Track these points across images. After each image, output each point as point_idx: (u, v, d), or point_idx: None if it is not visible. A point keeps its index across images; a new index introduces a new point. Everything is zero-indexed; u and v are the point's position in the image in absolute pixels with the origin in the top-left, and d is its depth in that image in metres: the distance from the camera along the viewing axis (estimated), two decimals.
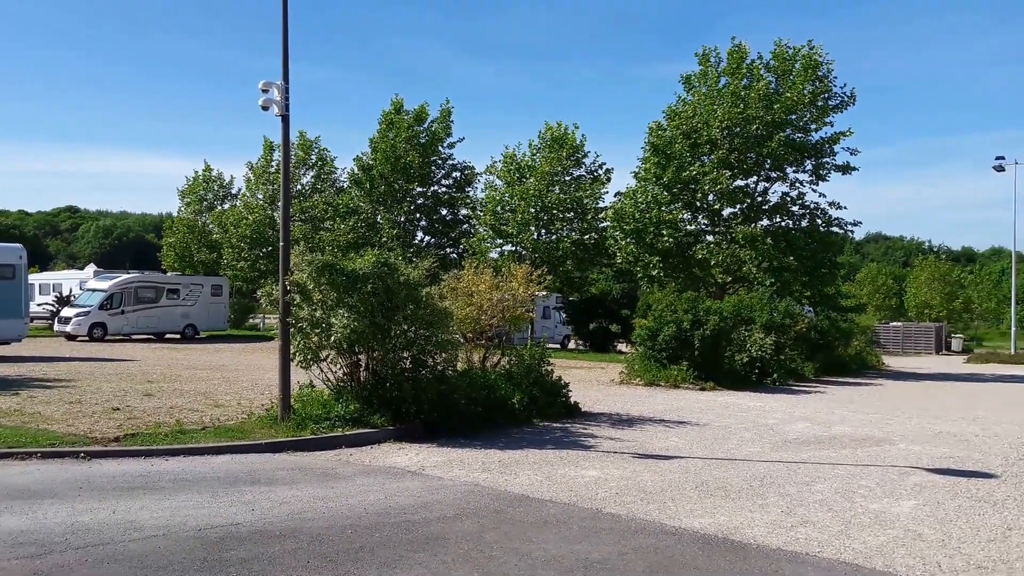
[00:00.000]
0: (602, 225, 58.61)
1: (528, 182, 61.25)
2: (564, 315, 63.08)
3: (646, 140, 49.01)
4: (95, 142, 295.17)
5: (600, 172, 63.01)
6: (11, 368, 31.93)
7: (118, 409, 21.16)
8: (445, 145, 66.36)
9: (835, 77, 47.62)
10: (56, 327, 56.61)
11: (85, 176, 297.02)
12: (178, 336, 59.84)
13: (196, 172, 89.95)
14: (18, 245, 42.01)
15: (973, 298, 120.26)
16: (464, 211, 67.49)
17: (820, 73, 47.07)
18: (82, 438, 16.93)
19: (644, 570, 9.94)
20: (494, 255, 61.63)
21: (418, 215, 66.88)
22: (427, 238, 67.47)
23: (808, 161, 48.46)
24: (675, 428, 22.56)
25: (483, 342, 25.40)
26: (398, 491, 13.80)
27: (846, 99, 47.87)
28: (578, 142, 62.57)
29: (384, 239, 62.75)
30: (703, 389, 34.09)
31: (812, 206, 49.00)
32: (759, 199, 49.26)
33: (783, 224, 49.06)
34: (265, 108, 19.72)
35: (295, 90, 20.05)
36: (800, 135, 48.07)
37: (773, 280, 45.53)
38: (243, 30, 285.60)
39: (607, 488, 14.44)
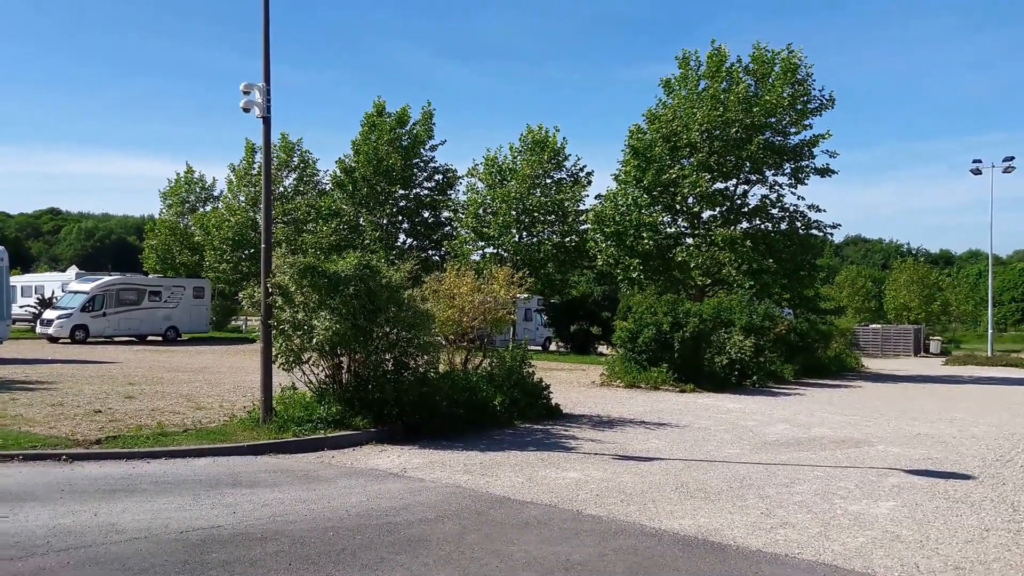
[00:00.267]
0: (583, 228, 58.67)
1: (509, 185, 61.23)
2: (545, 317, 63.20)
3: (626, 143, 49.14)
4: (77, 143, 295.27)
5: (581, 175, 63.04)
6: None
7: (100, 411, 21.13)
8: (427, 148, 66.29)
9: (814, 80, 47.79)
10: (38, 329, 56.44)
11: (67, 178, 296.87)
12: (160, 338, 59.73)
13: (178, 174, 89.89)
14: None
15: (951, 301, 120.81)
16: (446, 214, 67.46)
17: (799, 76, 47.13)
18: (64, 440, 16.92)
19: (624, 571, 9.98)
20: (476, 257, 61.53)
21: (400, 217, 66.81)
22: (409, 240, 67.46)
23: (787, 164, 48.49)
24: (655, 430, 22.59)
25: (465, 344, 25.39)
26: (380, 493, 13.82)
27: (825, 102, 47.99)
28: (559, 145, 62.58)
29: (366, 241, 62.79)
30: (683, 391, 34.13)
31: (791, 209, 49.05)
32: (739, 202, 49.36)
33: (763, 227, 49.19)
34: (247, 110, 19.72)
35: (277, 92, 20.08)
36: (779, 138, 48.17)
37: (753, 283, 45.57)
38: (226, 31, 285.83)
39: (588, 490, 14.48)
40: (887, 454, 19.67)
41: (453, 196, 67.79)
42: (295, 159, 75.77)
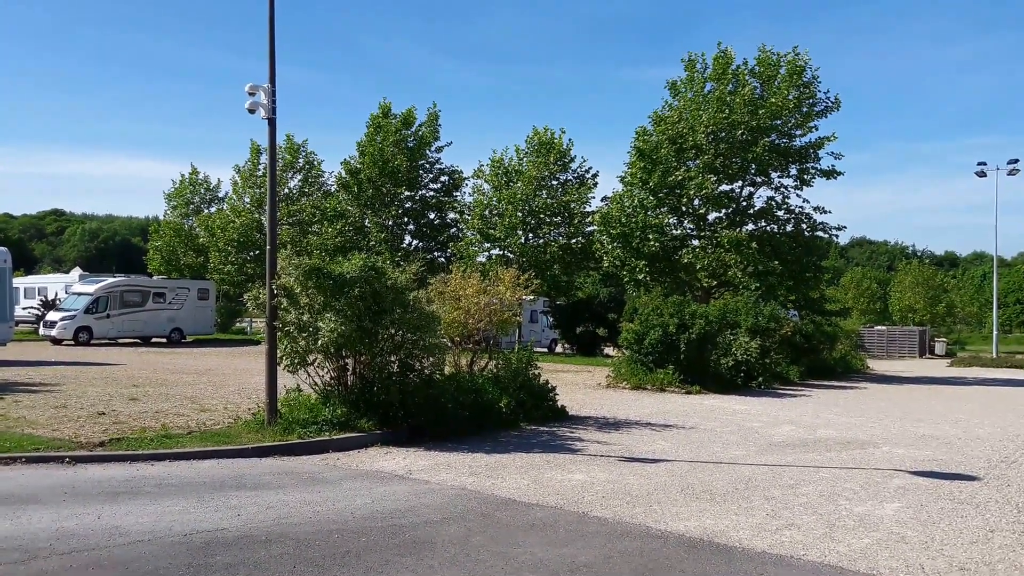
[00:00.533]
0: (589, 229, 58.86)
1: (515, 186, 61.32)
2: (551, 319, 63.19)
3: (632, 145, 48.98)
4: (81, 144, 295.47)
5: (587, 176, 63.11)
6: None
7: (103, 413, 21.05)
8: (433, 149, 66.28)
9: (820, 83, 47.77)
10: (41, 331, 56.30)
11: (71, 179, 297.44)
12: (164, 340, 59.75)
13: (183, 175, 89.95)
14: (2, 248, 41.83)
15: (956, 302, 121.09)
16: (452, 215, 67.45)
17: (805, 79, 47.14)
18: (67, 443, 16.85)
19: (630, 573, 9.93)
20: (482, 259, 61.63)
21: (406, 219, 66.76)
22: (415, 242, 67.41)
23: (792, 166, 48.55)
24: (661, 431, 22.54)
25: (471, 346, 25.33)
26: (385, 495, 13.76)
27: (830, 105, 47.98)
28: (565, 147, 62.63)
29: (372, 243, 62.78)
30: (689, 393, 34.10)
31: (797, 211, 49.05)
32: (744, 204, 49.31)
33: (768, 228, 49.17)
34: (252, 111, 19.64)
35: (281, 93, 19.99)
36: (785, 140, 48.15)
37: (758, 284, 45.52)
38: (230, 32, 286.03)
39: (594, 491, 14.43)
40: (892, 455, 19.62)
41: (459, 197, 67.77)
42: (300, 160, 75.60)
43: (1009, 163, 74.98)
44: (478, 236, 62.46)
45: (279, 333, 19.62)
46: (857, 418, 27.52)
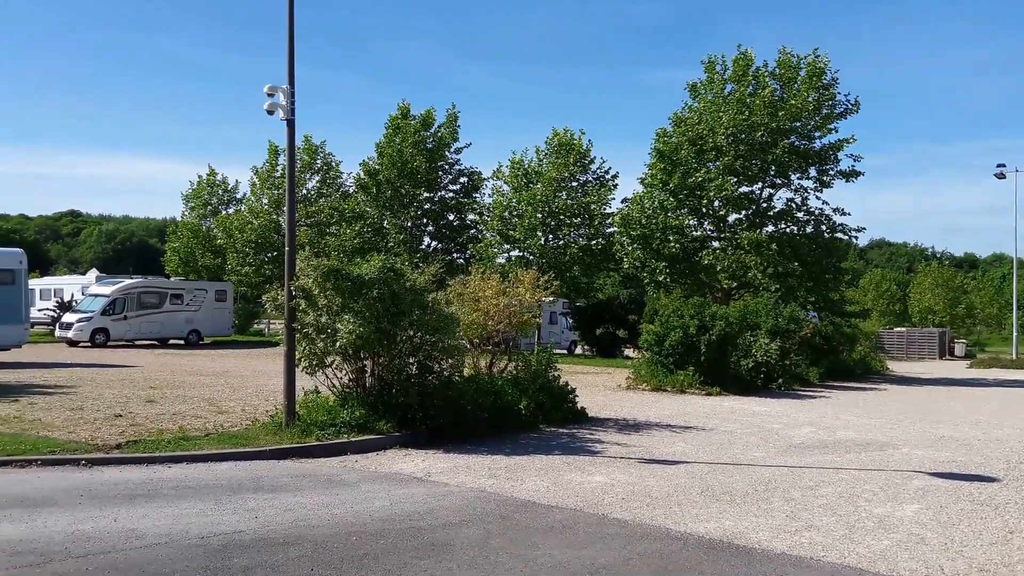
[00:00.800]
0: (609, 231, 58.70)
1: (535, 188, 61.19)
2: (571, 320, 63.06)
3: (652, 146, 49.01)
4: (98, 145, 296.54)
5: (607, 178, 62.99)
6: (11, 374, 31.76)
7: (120, 415, 21.05)
8: (452, 150, 66.08)
9: (839, 85, 47.77)
10: (58, 333, 56.01)
11: (88, 180, 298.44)
12: (182, 342, 59.57)
13: (200, 176, 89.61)
14: (18, 250, 41.92)
15: (976, 304, 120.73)
16: (471, 216, 67.31)
17: (825, 81, 47.11)
18: (83, 445, 16.83)
19: (649, 575, 9.90)
20: (501, 260, 61.50)
21: (425, 220, 66.60)
22: (434, 243, 67.18)
23: (812, 168, 48.52)
24: (681, 433, 22.51)
25: (490, 348, 25.30)
26: (403, 497, 13.72)
27: (850, 107, 47.95)
28: (585, 148, 62.51)
29: (390, 244, 62.66)
30: (709, 394, 34.03)
31: (816, 212, 49.06)
32: (764, 205, 49.27)
33: (788, 230, 49.21)
34: (271, 112, 19.62)
35: (300, 94, 19.96)
36: (804, 142, 48.12)
37: (778, 286, 45.63)
38: (248, 33, 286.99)
39: (613, 493, 14.39)
40: (911, 457, 19.60)
41: (478, 199, 67.70)
42: (318, 161, 75.59)
43: None
44: (497, 237, 62.37)
45: (297, 335, 19.57)
46: (876, 419, 27.46)
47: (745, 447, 20.43)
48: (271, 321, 77.43)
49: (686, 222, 48.27)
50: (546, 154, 62.92)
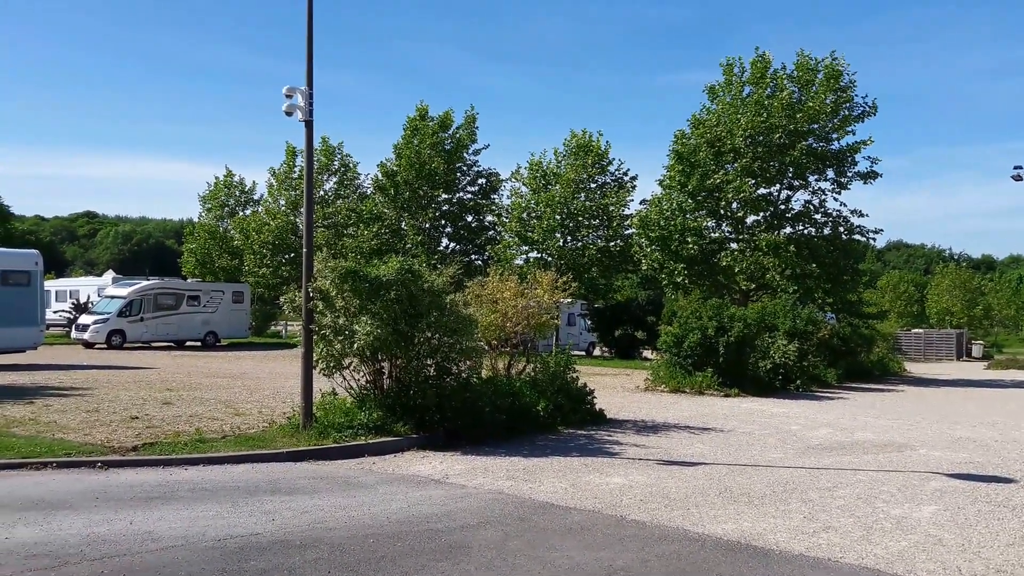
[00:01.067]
0: (627, 232, 59.04)
1: (554, 189, 61.42)
2: (589, 322, 62.90)
3: (671, 148, 49.29)
4: (114, 146, 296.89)
5: (625, 179, 63.13)
6: (27, 376, 31.74)
7: (136, 418, 20.99)
8: (470, 152, 66.11)
9: (856, 87, 48.03)
10: (73, 334, 55.83)
11: (104, 181, 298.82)
12: (199, 343, 59.38)
13: (218, 177, 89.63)
14: (34, 251, 41.87)
15: (993, 305, 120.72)
16: (489, 218, 67.37)
17: (842, 83, 47.40)
18: (99, 447, 16.77)
19: None
20: (519, 262, 61.74)
21: (443, 221, 66.69)
22: (452, 245, 67.32)
23: (830, 170, 48.73)
24: (700, 434, 22.51)
25: (508, 349, 25.32)
26: (421, 500, 13.68)
27: (867, 109, 48.15)
28: (603, 149, 62.67)
29: (408, 245, 62.77)
30: (727, 395, 34.05)
31: (834, 214, 49.35)
32: (782, 207, 49.50)
33: (806, 232, 49.49)
34: (289, 113, 19.57)
35: (318, 95, 19.91)
36: (822, 144, 48.38)
37: (796, 287, 45.83)
38: (267, 35, 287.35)
39: (631, 495, 14.38)
40: (929, 458, 19.61)
41: (496, 200, 67.75)
42: (336, 162, 75.62)
43: None
44: (516, 239, 62.61)
45: (315, 336, 19.53)
46: (894, 421, 27.49)
47: (763, 448, 20.43)
48: (288, 323, 77.45)
49: (704, 224, 48.52)
50: (564, 155, 63.33)
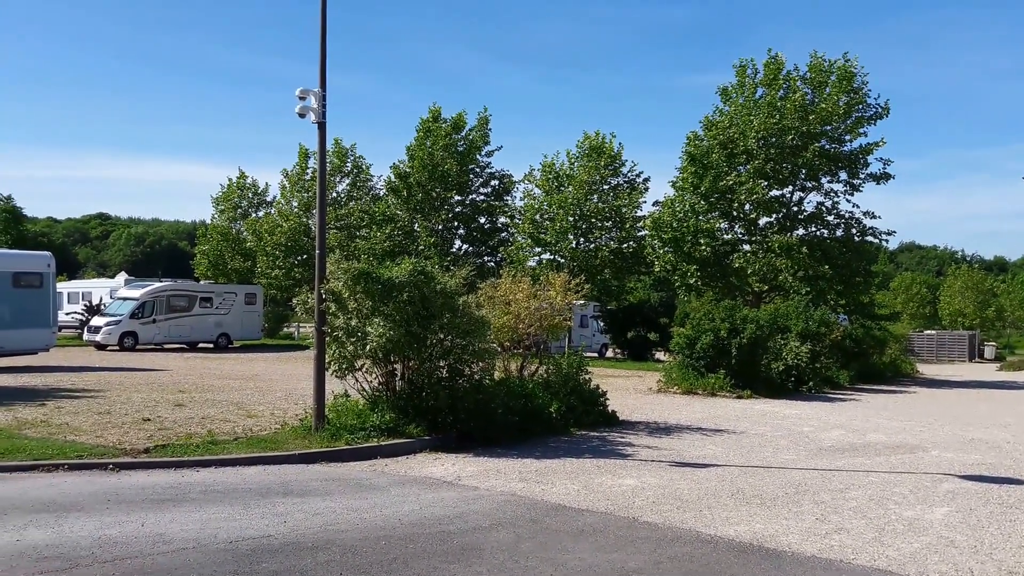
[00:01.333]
0: (640, 234, 59.01)
1: (566, 191, 61.37)
2: (602, 324, 62.87)
3: (683, 150, 49.37)
4: (127, 148, 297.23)
5: (638, 181, 63.08)
6: (39, 378, 31.76)
7: (148, 420, 21.00)
8: (483, 153, 65.98)
9: (869, 89, 48.07)
10: (86, 336, 55.83)
11: (117, 182, 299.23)
12: (211, 345, 59.31)
13: (230, 179, 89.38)
14: (46, 253, 41.96)
15: (1005, 306, 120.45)
16: (502, 219, 67.24)
17: (855, 85, 47.45)
18: (111, 449, 16.77)
19: None
20: (532, 263, 61.72)
21: (456, 223, 66.55)
22: (465, 246, 67.17)
23: (842, 171, 48.79)
24: (712, 436, 22.52)
25: (520, 351, 25.33)
26: (433, 501, 13.69)
27: (880, 110, 48.13)
28: (616, 151, 62.64)
29: (421, 247, 62.56)
30: (740, 397, 34.02)
31: (847, 215, 49.43)
32: (794, 209, 49.53)
33: (818, 233, 49.58)
34: (302, 115, 19.56)
35: (331, 97, 19.91)
36: (835, 146, 48.44)
37: (809, 289, 45.94)
38: (280, 37, 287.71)
39: (644, 497, 14.39)
40: (941, 459, 19.66)
41: (509, 202, 67.65)
42: (348, 164, 75.89)
43: None
44: (529, 240, 62.58)
45: (327, 338, 19.52)
46: (906, 422, 27.50)
47: (775, 450, 20.43)
48: (301, 324, 77.50)
49: (717, 225, 48.58)
50: (577, 157, 63.26)
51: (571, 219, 60.37)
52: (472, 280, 23.64)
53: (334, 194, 73.94)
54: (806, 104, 46.93)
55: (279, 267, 73.95)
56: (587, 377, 24.75)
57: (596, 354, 61.16)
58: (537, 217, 62.10)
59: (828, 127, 47.41)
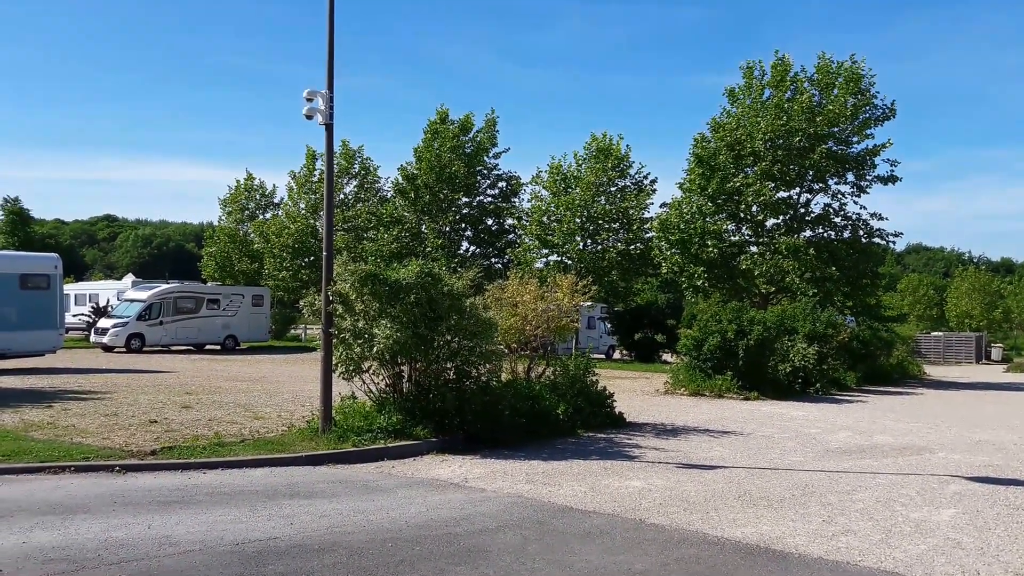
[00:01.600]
0: (647, 235, 58.80)
1: (574, 192, 61.24)
2: (609, 325, 62.94)
3: (691, 151, 49.48)
4: (134, 150, 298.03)
5: (645, 182, 62.97)
6: (45, 380, 31.78)
7: (155, 422, 20.98)
8: (490, 155, 66.11)
9: (876, 91, 48.09)
10: (92, 338, 55.88)
11: (124, 184, 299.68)
12: (218, 347, 59.30)
13: (238, 181, 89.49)
14: (53, 255, 41.97)
15: (1012, 308, 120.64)
16: (510, 221, 67.10)
17: (862, 87, 47.49)
18: (117, 451, 16.76)
19: None
20: (539, 265, 61.61)
21: (463, 225, 66.58)
22: (472, 248, 67.14)
23: (850, 173, 48.84)
24: (719, 438, 22.52)
25: (528, 352, 25.25)
26: (440, 503, 13.67)
27: (887, 112, 48.14)
28: (623, 153, 62.55)
29: (428, 249, 62.50)
30: (747, 399, 34.05)
31: (854, 217, 49.45)
32: (802, 210, 49.59)
33: (825, 235, 49.58)
34: (309, 117, 19.55)
35: (338, 98, 19.90)
36: (842, 147, 48.50)
37: (816, 290, 46.02)
38: (287, 38, 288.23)
39: (651, 498, 14.37)
40: (948, 461, 19.66)
41: (517, 203, 67.59)
42: (356, 166, 75.85)
43: None
44: (536, 242, 62.48)
45: (334, 340, 19.51)
46: (913, 424, 27.50)
47: (782, 452, 20.42)
48: (308, 326, 77.57)
49: (724, 227, 48.67)
50: (584, 159, 63.10)
51: (578, 221, 60.27)
52: (479, 282, 23.63)
53: (341, 196, 74.00)
54: (813, 106, 46.95)
55: (286, 269, 74.07)
56: (594, 379, 24.73)
57: (603, 356, 61.41)
58: (544, 219, 61.97)
59: (835, 129, 47.46)
